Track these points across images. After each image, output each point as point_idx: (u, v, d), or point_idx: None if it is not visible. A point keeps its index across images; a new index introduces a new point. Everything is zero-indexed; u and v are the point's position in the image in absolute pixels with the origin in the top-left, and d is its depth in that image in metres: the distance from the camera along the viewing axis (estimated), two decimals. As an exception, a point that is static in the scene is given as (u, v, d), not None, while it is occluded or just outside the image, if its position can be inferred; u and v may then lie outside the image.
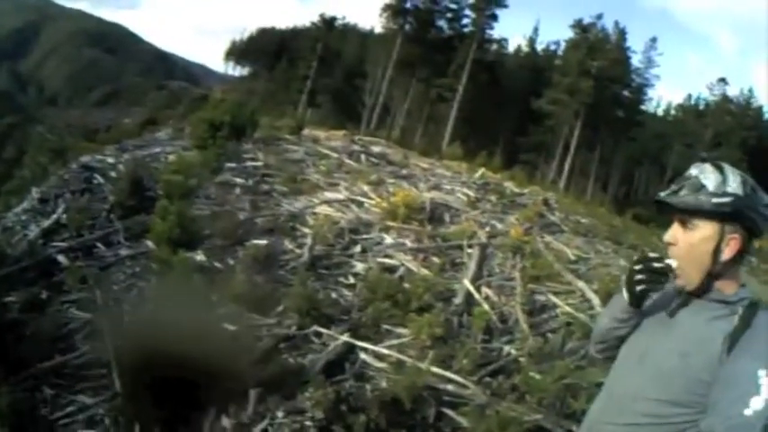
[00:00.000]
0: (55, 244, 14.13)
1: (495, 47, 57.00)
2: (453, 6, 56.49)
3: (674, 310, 2.82)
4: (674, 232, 2.77)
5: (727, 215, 2.65)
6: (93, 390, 9.26)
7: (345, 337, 10.13)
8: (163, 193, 14.35)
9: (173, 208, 12.74)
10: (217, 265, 12.45)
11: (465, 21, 55.81)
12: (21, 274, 12.90)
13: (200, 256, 12.27)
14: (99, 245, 13.98)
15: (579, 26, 53.14)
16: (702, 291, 2.75)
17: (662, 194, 2.77)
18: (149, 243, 13.24)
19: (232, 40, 75.19)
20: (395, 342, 10.28)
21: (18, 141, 62.52)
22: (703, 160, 2.75)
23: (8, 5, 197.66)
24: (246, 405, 8.51)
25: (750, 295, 2.71)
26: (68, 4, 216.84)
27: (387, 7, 55.36)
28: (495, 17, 54.70)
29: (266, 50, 68.70)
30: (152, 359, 8.51)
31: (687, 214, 2.72)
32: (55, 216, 15.64)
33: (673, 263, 2.76)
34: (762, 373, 2.46)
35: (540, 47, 60.46)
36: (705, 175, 2.70)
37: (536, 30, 61.20)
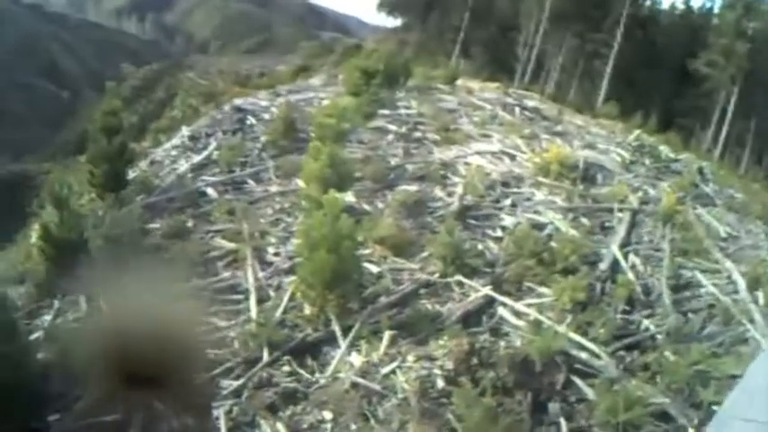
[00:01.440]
0: (204, 178, 16.12)
1: (648, 2, 55.44)
2: None
3: None
4: None
5: None
6: (226, 314, 10.72)
7: (486, 290, 10.92)
8: (316, 136, 15.61)
9: (325, 149, 13.87)
10: (365, 207, 13.69)
11: None
12: (167, 203, 15.02)
13: (349, 197, 13.39)
14: (249, 181, 15.81)
15: None
16: None
17: None
18: (299, 182, 14.66)
19: (383, -11, 77.23)
20: (535, 301, 10.93)
21: (166, 85, 67.54)
22: None
23: None
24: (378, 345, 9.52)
25: None
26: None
27: None
28: None
29: (418, 1, 69.71)
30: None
31: None
32: (206, 152, 17.67)
33: None
34: None
35: (696, 4, 58.27)
36: None
37: None
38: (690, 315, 11.40)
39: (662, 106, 46.38)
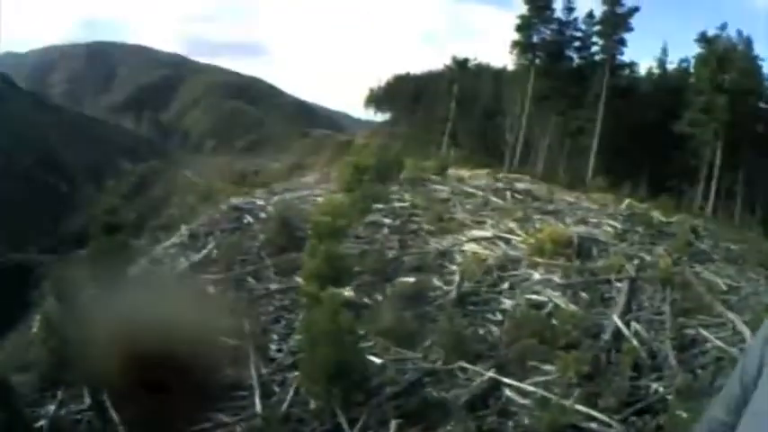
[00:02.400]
0: (204, 276, 16.35)
1: (626, 72, 57.12)
2: (579, 35, 57.37)
3: None
4: None
5: None
6: (232, 409, 10.85)
7: (491, 373, 11.12)
8: (312, 233, 15.94)
9: (322, 247, 14.20)
10: (365, 300, 13.92)
11: (594, 48, 56.50)
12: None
13: (348, 292, 13.67)
14: (249, 278, 16.06)
15: (705, 39, 51.94)
16: None
17: None
18: (298, 279, 14.88)
19: (370, 87, 79.64)
20: (540, 379, 11.12)
21: (163, 183, 68.71)
22: None
23: (143, 61, 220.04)
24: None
25: None
26: (204, 61, 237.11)
27: (515, 44, 57.02)
28: (623, 42, 54.95)
29: (404, 95, 71.70)
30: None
31: None
32: (205, 251, 17.97)
33: None
34: None
35: (670, 66, 59.58)
36: None
37: (665, 50, 59.54)
38: (698, 371, 11.68)
39: (651, 171, 47.18)
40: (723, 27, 51.99)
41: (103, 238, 15.70)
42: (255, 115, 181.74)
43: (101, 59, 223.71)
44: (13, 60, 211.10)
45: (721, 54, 50.92)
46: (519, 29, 57.39)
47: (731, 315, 13.59)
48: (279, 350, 12.71)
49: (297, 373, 11.44)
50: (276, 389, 11.41)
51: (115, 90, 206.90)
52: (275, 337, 13.21)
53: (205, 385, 9.54)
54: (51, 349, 11.94)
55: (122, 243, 15.95)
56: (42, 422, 10.94)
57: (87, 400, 11.47)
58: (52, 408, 11.41)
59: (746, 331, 12.62)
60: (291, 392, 11.01)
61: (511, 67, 60.57)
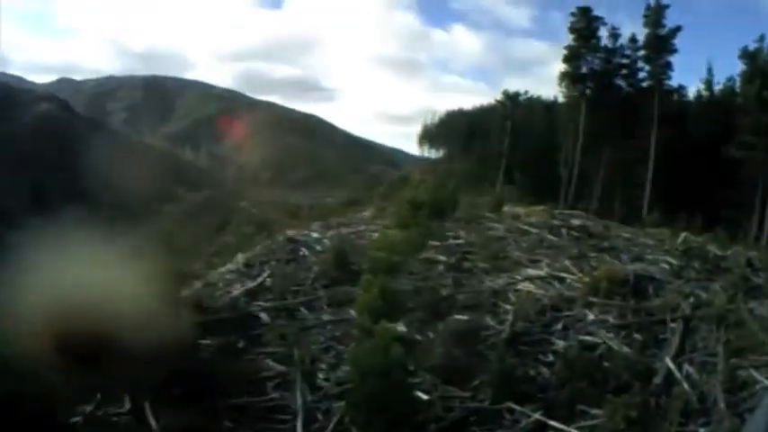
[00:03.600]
0: (258, 303, 16.81)
1: (675, 97, 56.11)
2: (625, 62, 56.76)
3: None
4: None
5: None
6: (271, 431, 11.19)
7: (537, 415, 11.18)
8: (367, 268, 16.20)
9: (376, 281, 14.41)
10: (417, 336, 14.08)
11: (641, 74, 55.82)
12: (218, 323, 15.59)
13: (400, 327, 13.86)
14: (302, 309, 16.39)
15: (747, 54, 50.16)
16: None
17: None
18: (351, 311, 15.15)
19: (423, 123, 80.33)
20: (588, 423, 11.13)
21: (219, 212, 70.25)
22: None
23: (199, 94, 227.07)
24: None
25: None
26: (260, 97, 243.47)
27: (564, 75, 56.83)
28: (669, 65, 54.09)
29: (457, 131, 72.13)
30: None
31: None
32: (260, 279, 18.41)
33: None
34: None
35: (717, 87, 57.99)
36: None
37: (710, 69, 58.09)
38: (746, 415, 11.36)
39: (706, 201, 46.05)
40: (761, 39, 50.37)
41: (158, 260, 16.15)
42: (310, 150, 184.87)
43: (158, 91, 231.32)
44: (68, 87, 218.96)
45: (765, 68, 49.48)
46: (566, 59, 57.44)
47: (786, 355, 13.33)
48: (326, 379, 12.89)
49: (342, 403, 11.66)
50: (320, 416, 11.60)
51: (172, 121, 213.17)
52: (324, 366, 13.42)
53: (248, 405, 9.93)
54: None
55: (176, 266, 16.41)
56: (77, 418, 11.31)
57: (127, 405, 11.88)
58: (89, 408, 11.72)
59: (802, 372, 12.43)
60: (334, 421, 11.23)
61: (561, 99, 60.61)
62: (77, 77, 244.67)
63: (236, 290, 17.67)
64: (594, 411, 11.44)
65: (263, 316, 15.94)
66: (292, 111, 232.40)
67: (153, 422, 11.40)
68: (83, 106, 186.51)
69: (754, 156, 46.21)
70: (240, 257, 21.23)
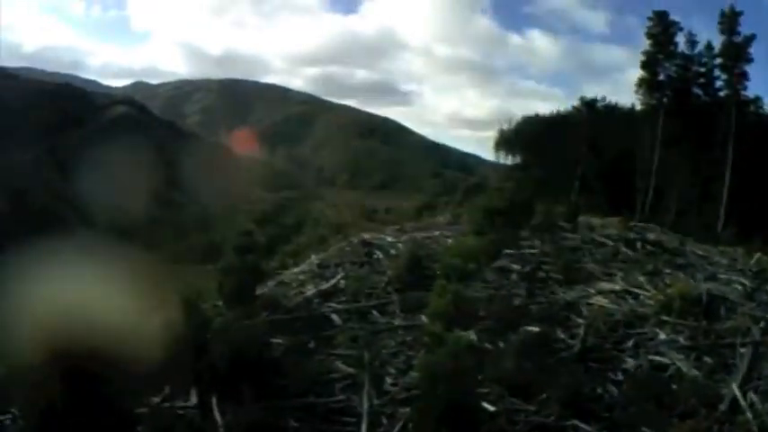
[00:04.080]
0: (330, 304, 17.06)
1: (752, 108, 54.18)
2: (703, 70, 55.06)
3: None
4: None
5: None
6: None
7: (603, 436, 11.03)
8: (441, 274, 16.24)
9: (450, 288, 14.43)
10: (487, 346, 14.07)
11: (718, 83, 54.05)
12: (291, 323, 15.98)
13: (471, 336, 13.86)
14: (374, 312, 16.56)
15: None
16: None
17: None
18: (423, 317, 15.26)
19: (500, 129, 79.63)
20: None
21: (295, 213, 71.37)
22: None
23: (276, 98, 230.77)
24: None
25: None
26: (337, 100, 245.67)
27: (641, 82, 55.48)
28: (745, 75, 52.34)
29: (533, 138, 71.21)
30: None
31: None
32: (333, 280, 18.66)
33: None
34: None
35: None
36: None
37: None
38: None
39: None
40: None
41: (235, 257, 16.55)
42: (387, 154, 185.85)
43: (234, 94, 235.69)
44: (144, 90, 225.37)
45: None
46: (644, 66, 56.17)
47: None
48: (394, 384, 12.99)
49: (407, 409, 11.76)
50: (384, 420, 11.75)
51: (249, 123, 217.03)
52: (393, 370, 13.52)
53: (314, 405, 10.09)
54: (167, 348, 12.73)
55: (253, 264, 16.76)
56: (143, 410, 11.67)
57: (194, 400, 12.34)
58: (155, 399, 12.32)
59: None
60: (399, 426, 11.36)
61: (639, 107, 59.37)
62: (153, 81, 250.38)
63: (310, 290, 17.99)
64: (658, 436, 11.29)
65: (335, 317, 16.19)
66: (370, 114, 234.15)
67: (218, 417, 11.75)
68: (159, 109, 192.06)
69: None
70: (314, 258, 21.66)
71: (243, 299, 16.13)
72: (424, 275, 17.93)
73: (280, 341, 14.64)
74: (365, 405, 12.06)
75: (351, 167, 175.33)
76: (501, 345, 14.13)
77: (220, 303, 16.51)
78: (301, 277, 19.60)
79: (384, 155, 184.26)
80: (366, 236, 23.19)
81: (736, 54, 52.79)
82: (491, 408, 11.81)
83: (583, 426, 11.38)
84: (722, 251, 24.53)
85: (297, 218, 65.93)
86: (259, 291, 17.45)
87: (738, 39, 52.99)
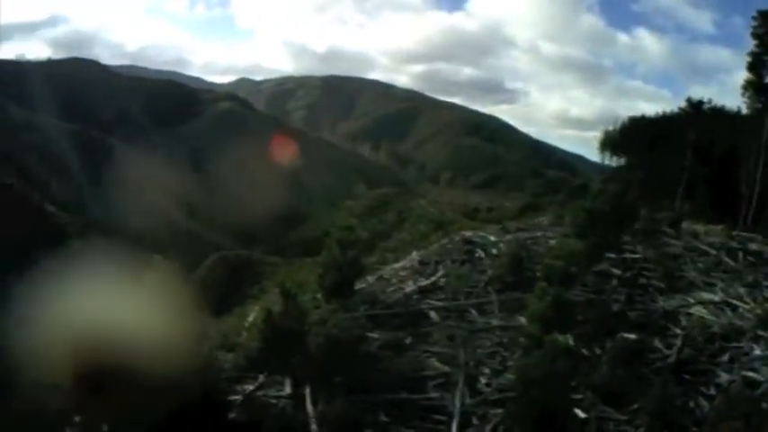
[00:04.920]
0: (429, 301, 17.27)
1: None
2: None
3: None
4: None
5: None
6: (425, 430, 11.74)
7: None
8: (542, 276, 16.22)
9: (551, 290, 14.45)
10: (584, 351, 14.06)
11: None
12: (389, 318, 16.33)
13: (569, 340, 13.86)
14: (472, 311, 16.68)
15: None
16: None
17: None
18: (521, 318, 15.36)
19: (605, 130, 77.79)
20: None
21: (397, 209, 71.82)
22: None
23: (379, 94, 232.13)
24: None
25: None
26: (441, 98, 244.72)
27: (747, 84, 53.16)
28: None
29: (639, 140, 69.33)
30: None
31: None
32: (434, 278, 18.84)
33: None
34: None
35: None
36: None
37: None
38: None
39: None
40: None
41: (337, 251, 16.95)
42: (491, 152, 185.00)
43: (337, 91, 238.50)
44: (248, 87, 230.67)
45: None
46: (750, 67, 54.01)
47: None
48: (488, 384, 13.22)
49: (500, 410, 11.96)
50: (475, 421, 12.00)
51: (352, 120, 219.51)
52: (487, 371, 13.71)
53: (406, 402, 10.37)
54: (266, 338, 13.18)
55: (354, 258, 17.14)
56: (237, 396, 12.48)
57: (288, 389, 12.90)
58: (250, 387, 13.01)
59: None
60: (490, 427, 11.61)
61: (745, 110, 57.35)
62: (257, 78, 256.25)
63: (409, 287, 18.24)
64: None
65: (433, 314, 16.41)
66: (474, 112, 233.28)
67: (310, 408, 12.18)
68: (263, 105, 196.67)
69: None
70: (415, 255, 21.83)
71: (342, 292, 16.53)
72: (525, 276, 17.98)
73: (376, 336, 15.00)
74: (457, 404, 12.31)
75: (453, 165, 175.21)
76: (597, 351, 14.11)
77: (320, 296, 16.95)
78: (402, 273, 19.84)
79: (487, 153, 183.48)
80: (468, 234, 23.25)
81: None
82: (582, 414, 11.87)
83: (672, 439, 11.33)
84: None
85: (398, 214, 66.37)
86: (359, 285, 17.78)
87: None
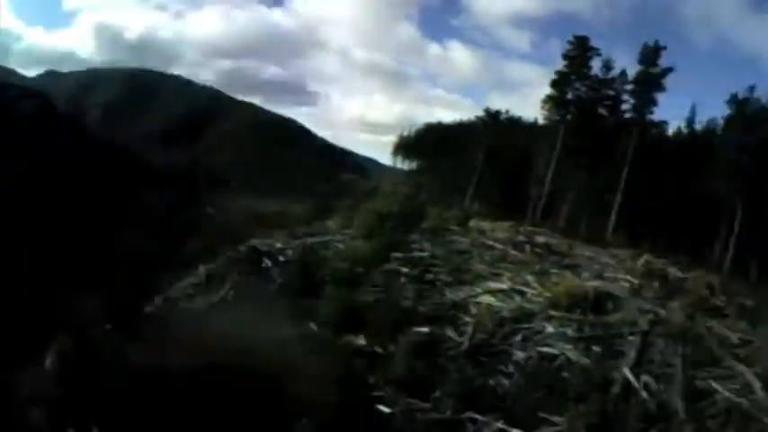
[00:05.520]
0: (222, 317, 16.76)
1: (655, 131, 57.68)
2: (612, 93, 58.17)
3: None
4: None
5: None
6: None
7: (500, 424, 11.50)
8: (330, 279, 16.32)
9: (338, 293, 14.59)
10: (377, 349, 14.26)
11: (625, 106, 57.33)
12: None
13: (361, 341, 14.06)
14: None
15: (735, 101, 52.85)
16: None
17: None
18: (312, 325, 15.21)
19: (399, 134, 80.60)
20: (549, 430, 11.52)
21: (181, 220, 69.61)
22: None
23: (178, 89, 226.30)
24: None
25: None
26: (241, 97, 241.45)
27: (549, 98, 57.97)
28: (654, 101, 55.73)
29: (432, 144, 72.45)
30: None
31: None
32: (222, 293, 18.44)
33: None
34: None
35: (698, 126, 60.31)
36: None
37: (693, 109, 60.43)
38: (707, 422, 12.05)
39: (671, 230, 47.39)
40: (752, 89, 52.64)
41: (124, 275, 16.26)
42: (284, 155, 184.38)
43: (141, 86, 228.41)
44: (53, 80, 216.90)
45: (750, 114, 51.75)
46: (554, 84, 58.42)
47: (742, 367, 13.94)
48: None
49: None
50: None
51: (151, 119, 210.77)
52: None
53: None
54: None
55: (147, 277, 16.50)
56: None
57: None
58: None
59: (757, 383, 13.11)
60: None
61: (542, 121, 61.63)
62: (64, 69, 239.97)
63: (199, 305, 17.79)
64: (555, 419, 11.81)
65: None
66: (273, 113, 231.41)
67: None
68: (64, 102, 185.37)
69: (725, 191, 47.90)
70: (202, 269, 21.12)
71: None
72: (314, 282, 17.88)
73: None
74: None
75: (244, 169, 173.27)
76: (391, 347, 14.37)
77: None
78: (189, 291, 19.29)
79: (280, 156, 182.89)
80: (254, 242, 22.95)
81: (650, 83, 55.29)
82: (387, 409, 12.05)
83: (479, 417, 11.81)
84: (611, 253, 25.43)
85: (182, 225, 64.24)
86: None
87: (656, 70, 55.61)
